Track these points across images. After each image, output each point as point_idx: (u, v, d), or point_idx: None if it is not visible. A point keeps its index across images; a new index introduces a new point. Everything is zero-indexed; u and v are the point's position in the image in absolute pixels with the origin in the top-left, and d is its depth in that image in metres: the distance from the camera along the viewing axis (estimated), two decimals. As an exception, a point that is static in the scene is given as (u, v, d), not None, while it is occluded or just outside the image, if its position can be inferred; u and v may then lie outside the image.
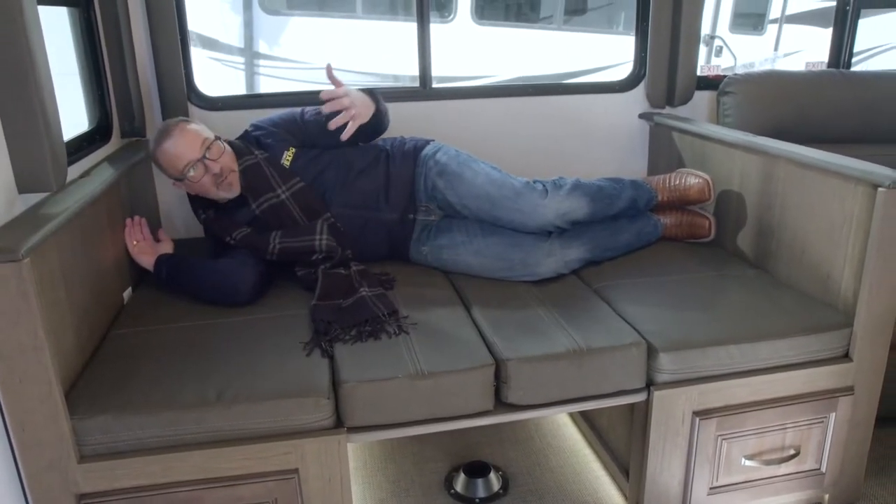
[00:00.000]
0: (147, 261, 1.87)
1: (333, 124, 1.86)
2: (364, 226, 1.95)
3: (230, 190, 1.88)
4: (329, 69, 1.89)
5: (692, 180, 2.09)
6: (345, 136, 1.87)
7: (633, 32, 2.59)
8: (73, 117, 1.97)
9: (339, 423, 1.44)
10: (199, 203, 1.96)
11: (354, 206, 1.94)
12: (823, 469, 1.72)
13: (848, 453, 1.72)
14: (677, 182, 2.11)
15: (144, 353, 1.53)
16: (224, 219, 1.92)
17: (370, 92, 1.96)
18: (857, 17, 2.71)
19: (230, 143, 1.93)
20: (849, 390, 1.66)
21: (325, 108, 1.85)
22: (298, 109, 2.03)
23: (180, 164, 1.82)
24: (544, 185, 1.92)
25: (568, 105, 2.55)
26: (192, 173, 1.82)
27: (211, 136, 1.87)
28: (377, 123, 1.98)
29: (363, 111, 1.90)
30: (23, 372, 1.25)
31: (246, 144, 1.95)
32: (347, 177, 1.95)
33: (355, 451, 2.06)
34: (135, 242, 1.89)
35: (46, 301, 1.28)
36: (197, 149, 1.82)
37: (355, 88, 1.92)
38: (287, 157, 1.95)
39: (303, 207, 1.90)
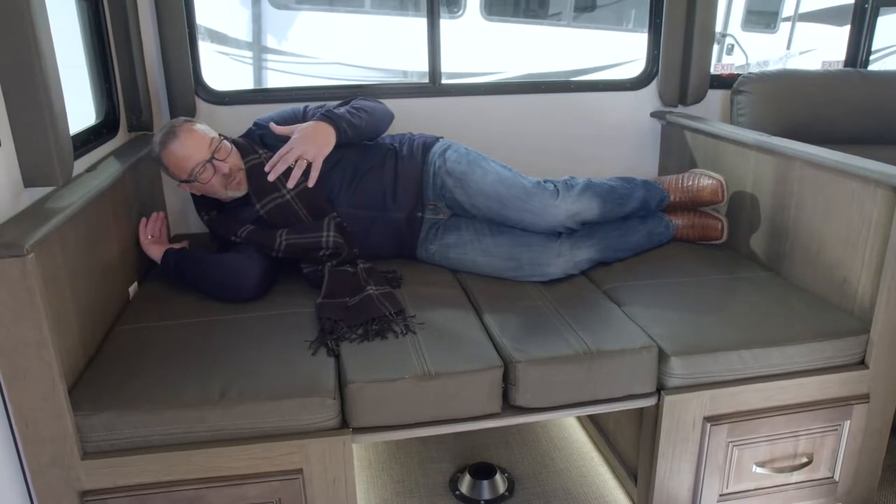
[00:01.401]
0: (156, 252, 1.86)
1: (291, 181, 1.83)
2: (371, 225, 1.93)
3: (239, 189, 1.85)
4: (273, 127, 1.89)
5: (705, 181, 2.06)
6: (311, 181, 1.84)
7: (643, 30, 2.56)
8: (83, 110, 1.95)
9: (345, 424, 1.43)
10: (203, 204, 1.94)
11: (362, 205, 1.91)
12: (836, 478, 1.69)
13: (862, 462, 1.69)
14: (690, 183, 2.08)
15: (149, 349, 1.52)
16: (228, 218, 1.89)
17: (328, 117, 1.88)
18: (875, 14, 2.67)
19: (234, 142, 1.90)
20: (864, 398, 1.63)
21: (271, 178, 1.83)
22: (301, 106, 2.00)
23: (189, 166, 1.78)
24: (555, 186, 1.89)
25: (579, 103, 2.53)
26: (202, 175, 1.79)
27: (216, 135, 1.84)
28: (360, 136, 1.94)
29: (320, 148, 1.84)
30: (26, 368, 1.24)
31: (250, 143, 1.91)
32: (354, 176, 1.92)
33: (360, 451, 2.04)
34: (149, 237, 1.89)
35: (51, 296, 1.27)
36: (205, 149, 1.79)
37: (310, 123, 1.87)
38: None
39: (308, 207, 1.87)
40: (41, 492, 1.33)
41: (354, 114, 1.92)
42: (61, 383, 1.26)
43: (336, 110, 1.91)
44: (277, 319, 1.65)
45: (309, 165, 1.84)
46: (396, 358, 1.48)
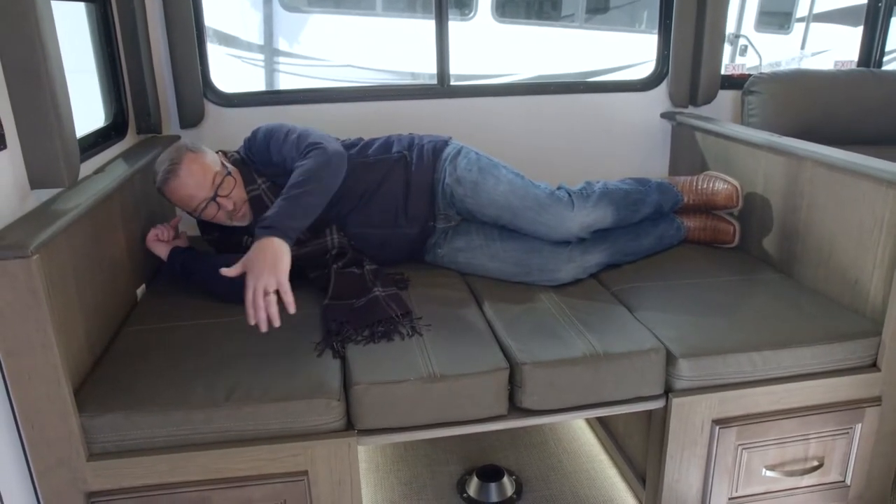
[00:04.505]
0: (162, 250, 1.85)
1: (275, 319, 1.47)
2: (383, 243, 1.91)
3: (244, 220, 1.81)
4: (224, 272, 1.52)
5: (720, 185, 2.03)
6: (290, 307, 1.48)
7: (656, 31, 2.54)
8: (97, 113, 1.97)
9: (350, 426, 1.42)
10: (205, 226, 1.91)
11: (374, 224, 1.88)
12: (848, 482, 1.67)
13: (874, 465, 1.67)
14: (704, 186, 2.06)
15: (155, 350, 1.52)
16: (231, 237, 1.87)
17: (267, 227, 1.54)
18: (889, 14, 2.63)
19: (235, 163, 1.83)
20: (876, 401, 1.61)
21: (262, 328, 1.48)
22: (284, 129, 1.80)
23: (193, 204, 1.73)
24: (570, 195, 1.84)
25: (588, 103, 2.51)
26: (205, 212, 1.74)
27: (219, 166, 1.75)
28: (317, 211, 1.64)
29: (276, 272, 1.48)
30: (31, 369, 1.24)
31: (249, 170, 1.83)
32: (363, 197, 1.87)
33: (368, 453, 2.04)
34: (157, 235, 1.85)
35: (56, 298, 1.27)
36: (207, 187, 1.71)
37: (253, 246, 1.52)
38: None
39: (311, 229, 1.79)
40: (47, 493, 1.34)
41: (295, 196, 1.60)
42: (67, 384, 1.27)
43: (273, 210, 1.58)
44: (284, 321, 1.64)
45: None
46: (402, 360, 1.47)
